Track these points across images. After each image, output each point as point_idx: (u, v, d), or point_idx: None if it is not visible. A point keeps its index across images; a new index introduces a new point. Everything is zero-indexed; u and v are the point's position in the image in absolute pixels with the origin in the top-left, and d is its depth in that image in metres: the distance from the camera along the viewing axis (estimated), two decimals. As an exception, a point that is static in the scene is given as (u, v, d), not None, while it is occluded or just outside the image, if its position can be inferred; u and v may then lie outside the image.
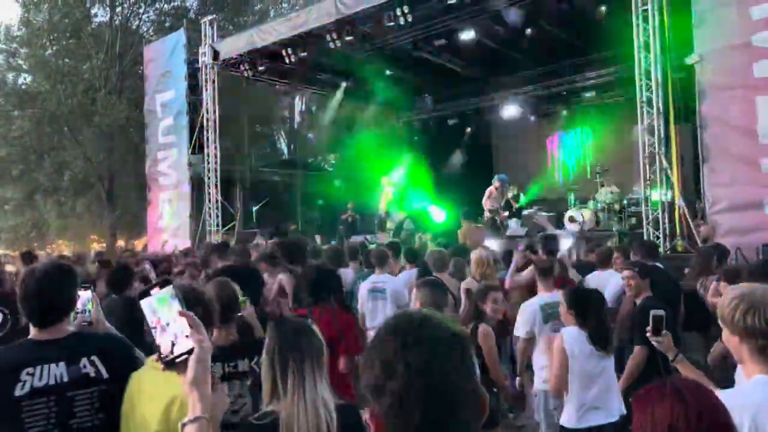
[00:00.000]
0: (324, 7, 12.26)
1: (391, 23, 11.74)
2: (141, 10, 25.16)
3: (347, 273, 6.76)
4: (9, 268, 8.46)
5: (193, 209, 15.27)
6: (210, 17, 15.76)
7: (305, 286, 4.32)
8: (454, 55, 15.69)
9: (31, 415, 2.13)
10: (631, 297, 4.83)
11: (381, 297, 5.91)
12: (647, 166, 9.68)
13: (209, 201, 15.29)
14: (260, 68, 14.86)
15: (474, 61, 16.25)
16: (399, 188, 14.92)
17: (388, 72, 16.40)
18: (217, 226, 15.22)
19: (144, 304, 1.34)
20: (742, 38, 8.22)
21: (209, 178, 15.30)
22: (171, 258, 9.31)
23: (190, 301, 2.30)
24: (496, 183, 13.27)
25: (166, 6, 25.88)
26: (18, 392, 2.12)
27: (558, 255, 6.56)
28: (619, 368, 4.16)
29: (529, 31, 12.84)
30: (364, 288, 6.09)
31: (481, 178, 17.94)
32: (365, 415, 2.05)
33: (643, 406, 1.46)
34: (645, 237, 9.50)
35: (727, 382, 2.33)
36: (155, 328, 1.32)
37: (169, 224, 15.87)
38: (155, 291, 1.34)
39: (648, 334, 2.75)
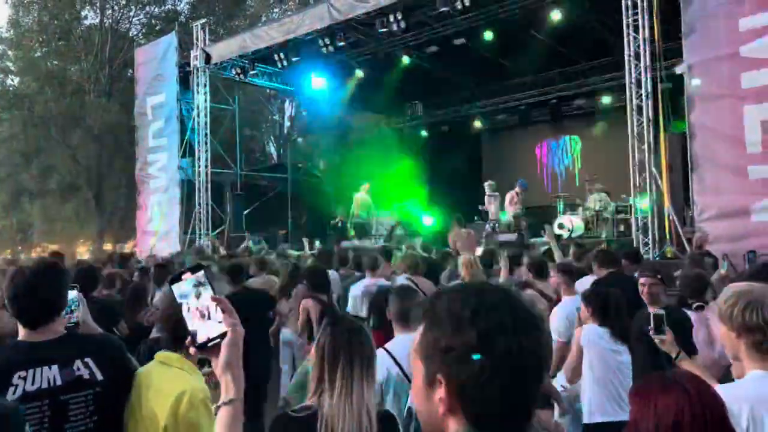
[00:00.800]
0: (317, 12, 12.31)
1: (384, 29, 11.81)
2: (131, 13, 25.10)
3: (333, 276, 6.83)
4: None
5: (182, 213, 15.20)
6: (202, 21, 15.75)
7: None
8: (446, 62, 15.78)
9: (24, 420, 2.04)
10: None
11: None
12: (637, 174, 9.79)
13: (199, 205, 15.24)
14: (252, 72, 14.86)
15: (465, 68, 16.36)
16: (370, 197, 14.84)
17: (379, 78, 16.46)
18: (207, 229, 15.17)
19: (175, 288, 1.34)
20: (731, 49, 8.36)
21: (199, 182, 15.26)
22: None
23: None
24: (517, 188, 13.08)
25: (156, 9, 25.82)
26: (10, 397, 2.02)
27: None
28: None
29: (520, 39, 12.95)
30: (356, 290, 6.15)
31: (471, 184, 18.05)
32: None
33: (644, 399, 1.46)
34: (635, 243, 9.61)
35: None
36: (187, 312, 1.33)
37: (158, 228, 15.78)
38: (187, 276, 1.35)
39: (651, 333, 2.80)
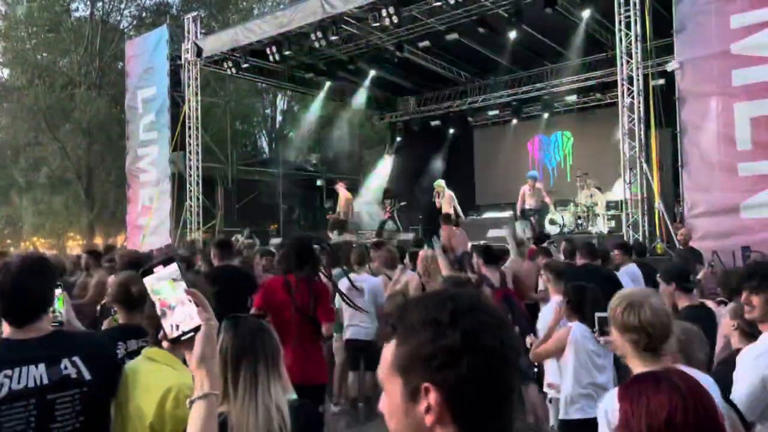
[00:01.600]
0: (309, 6, 12.25)
1: (377, 24, 11.78)
2: (122, 6, 24.91)
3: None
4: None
5: (173, 207, 15.14)
6: (193, 14, 15.65)
7: (285, 255, 4.38)
8: (438, 57, 15.79)
9: (9, 420, 2.00)
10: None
11: (359, 295, 6.02)
12: (628, 170, 9.84)
13: (190, 199, 15.18)
14: (243, 66, 14.79)
15: (457, 63, 16.38)
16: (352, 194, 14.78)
17: (371, 72, 16.44)
18: (198, 224, 15.12)
19: (147, 281, 1.32)
20: (722, 46, 8.40)
21: (190, 176, 15.19)
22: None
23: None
24: (529, 182, 12.86)
25: (147, 2, 25.66)
26: None
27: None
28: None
29: (512, 35, 12.95)
30: (342, 286, 6.16)
31: (463, 179, 18.09)
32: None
33: (635, 396, 1.44)
34: (625, 239, 9.65)
35: None
36: (160, 306, 1.31)
37: (149, 222, 15.71)
38: (158, 269, 1.32)
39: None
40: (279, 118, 28.29)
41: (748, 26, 8.23)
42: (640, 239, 9.53)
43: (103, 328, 3.58)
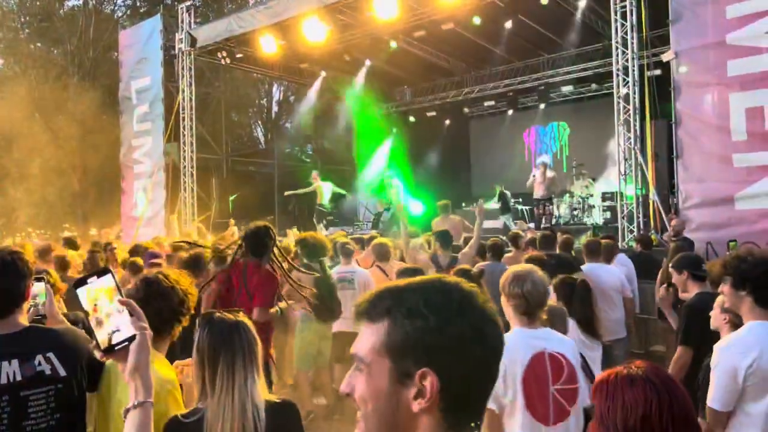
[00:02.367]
0: (304, -5, 12.16)
1: (372, 14, 11.70)
2: (115, -5, 24.70)
3: None
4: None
5: (168, 198, 15.08)
6: (187, 3, 15.52)
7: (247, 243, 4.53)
8: (434, 48, 15.71)
9: None
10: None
11: (349, 287, 6.04)
12: (623, 161, 9.83)
13: (184, 190, 15.12)
14: (238, 56, 14.70)
15: (453, 53, 16.31)
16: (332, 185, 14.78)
17: (367, 63, 16.36)
18: (193, 215, 15.07)
19: (81, 292, 1.31)
20: (717, 36, 8.36)
21: (185, 167, 15.12)
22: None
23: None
24: (540, 167, 12.63)
25: (141, -9, 25.43)
26: None
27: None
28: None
29: (508, 25, 12.89)
30: (334, 276, 6.18)
31: (459, 170, 18.08)
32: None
33: (610, 392, 1.45)
34: (620, 230, 9.66)
35: None
36: (93, 316, 1.31)
37: (143, 213, 15.66)
38: (92, 279, 1.32)
39: None
40: (274, 108, 28.16)
41: (743, 16, 8.19)
42: (635, 230, 9.53)
43: None
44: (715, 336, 2.76)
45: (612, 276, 5.74)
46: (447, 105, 18.29)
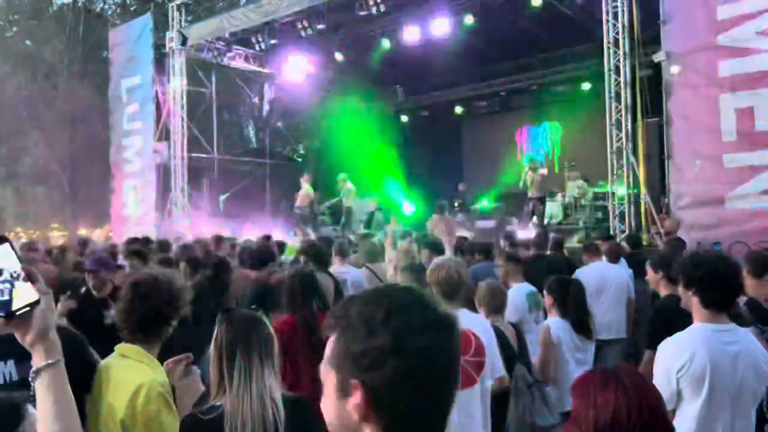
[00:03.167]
0: (296, -6, 12.13)
1: (363, 13, 11.68)
2: (105, -7, 24.55)
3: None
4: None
5: (158, 197, 15.00)
6: (178, 1, 15.43)
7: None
8: (426, 47, 15.68)
9: None
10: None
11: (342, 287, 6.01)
12: (614, 161, 9.85)
13: (175, 189, 15.04)
14: (229, 55, 14.64)
15: (445, 53, 16.27)
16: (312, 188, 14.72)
17: (359, 62, 16.32)
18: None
19: None
20: (709, 37, 8.39)
21: (175, 166, 15.04)
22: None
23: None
24: (528, 164, 12.49)
25: (131, -11, 25.28)
26: None
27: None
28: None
29: (500, 24, 12.89)
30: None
31: (451, 170, 18.07)
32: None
33: (584, 393, 1.50)
34: (611, 230, 9.68)
35: None
36: None
37: (133, 212, 15.57)
38: None
39: None
40: (266, 107, 28.04)
41: (734, 18, 8.23)
42: (626, 230, 9.57)
43: None
44: None
45: (619, 276, 5.76)
46: (439, 105, 18.28)
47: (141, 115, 15.35)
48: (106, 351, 2.32)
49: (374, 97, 19.57)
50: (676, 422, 2.49)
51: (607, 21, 9.87)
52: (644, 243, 9.25)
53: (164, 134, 14.97)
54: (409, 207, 16.74)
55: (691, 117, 8.63)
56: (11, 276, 1.27)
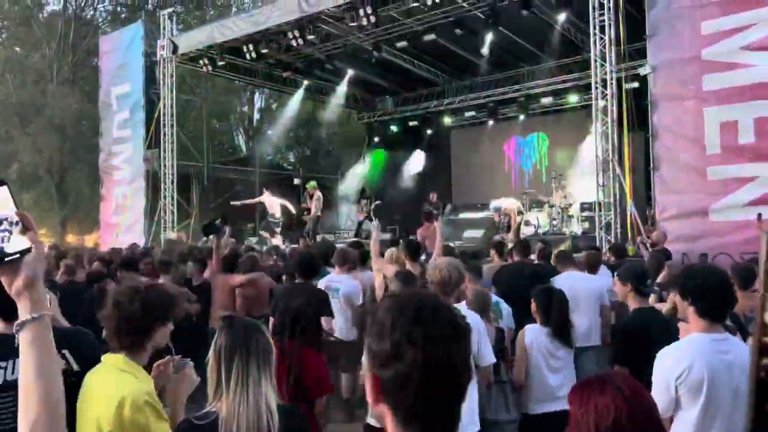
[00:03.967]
0: (287, 4, 12.19)
1: (354, 23, 11.77)
2: (96, 0, 24.53)
3: None
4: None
5: (147, 205, 14.96)
6: (169, 10, 15.47)
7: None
8: (416, 58, 15.83)
9: (2, 410, 2.06)
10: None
11: (333, 297, 6.01)
12: (601, 172, 9.96)
13: (165, 197, 15.01)
14: (220, 63, 14.67)
15: (435, 64, 16.44)
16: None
17: (349, 72, 16.42)
18: (173, 223, 14.96)
19: None
20: (693, 52, 8.54)
21: (165, 174, 15.02)
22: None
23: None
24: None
25: (122, -3, 25.31)
26: None
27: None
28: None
29: (489, 36, 13.03)
30: (320, 286, 6.16)
31: (440, 179, 18.16)
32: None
33: (583, 399, 1.54)
34: (597, 241, 9.78)
35: None
36: None
37: (122, 220, 15.51)
38: None
39: None
40: (256, 116, 28.08)
41: (718, 32, 8.38)
42: (612, 240, 9.66)
43: None
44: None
45: (590, 284, 5.81)
46: (428, 115, 18.40)
47: (131, 122, 15.32)
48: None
49: (364, 107, 19.67)
50: (674, 429, 2.58)
51: (595, 35, 10.01)
52: (630, 253, 9.35)
53: (154, 142, 14.95)
54: (397, 216, 16.79)
55: (676, 130, 8.75)
56: (8, 223, 1.23)
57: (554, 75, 15.47)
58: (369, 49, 14.16)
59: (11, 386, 2.06)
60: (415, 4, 11.39)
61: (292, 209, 14.62)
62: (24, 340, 1.19)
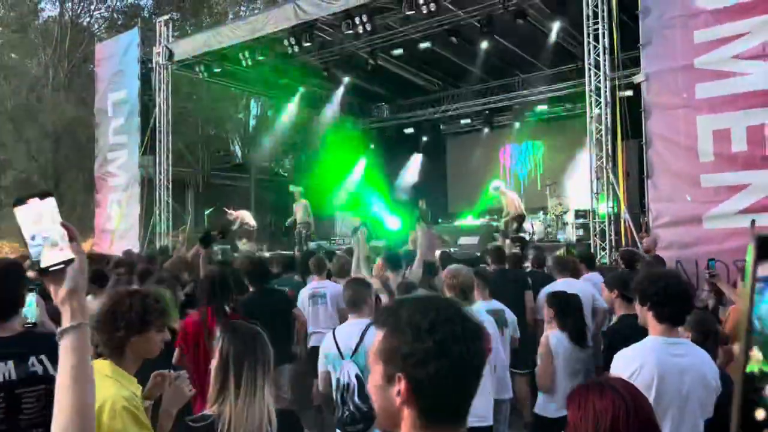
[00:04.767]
0: (283, 12, 12.24)
1: (350, 31, 11.81)
2: (92, 7, 24.55)
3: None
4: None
5: (142, 212, 14.93)
6: (165, 17, 15.50)
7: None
8: (411, 66, 15.89)
9: None
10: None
11: (321, 302, 6.06)
12: (595, 180, 10.00)
13: (160, 204, 14.99)
14: (216, 70, 14.69)
15: (430, 71, 16.51)
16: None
17: (345, 79, 16.46)
18: (168, 229, 14.93)
19: (19, 212, 1.29)
20: (686, 60, 8.59)
21: (160, 180, 15.01)
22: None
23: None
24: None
25: (118, 3, 25.34)
26: None
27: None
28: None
29: (484, 45, 13.10)
30: (304, 293, 6.22)
31: (435, 187, 18.21)
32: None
33: (582, 402, 1.59)
34: (592, 248, 9.82)
35: None
36: (30, 236, 1.29)
37: (117, 226, 15.48)
38: (34, 201, 1.30)
39: None
40: (252, 122, 28.08)
41: (710, 41, 8.44)
42: (607, 248, 9.69)
43: None
44: None
45: (581, 290, 5.85)
46: (424, 122, 18.46)
47: (126, 129, 15.31)
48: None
49: (360, 114, 19.71)
50: None
51: (588, 43, 10.07)
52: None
53: (149, 148, 14.95)
54: (395, 222, 16.81)
55: (669, 138, 8.80)
56: (54, 234, 1.29)
57: (549, 83, 15.56)
58: (365, 56, 14.21)
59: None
60: (411, 13, 11.44)
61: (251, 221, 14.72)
62: (63, 346, 1.26)
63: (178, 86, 15.89)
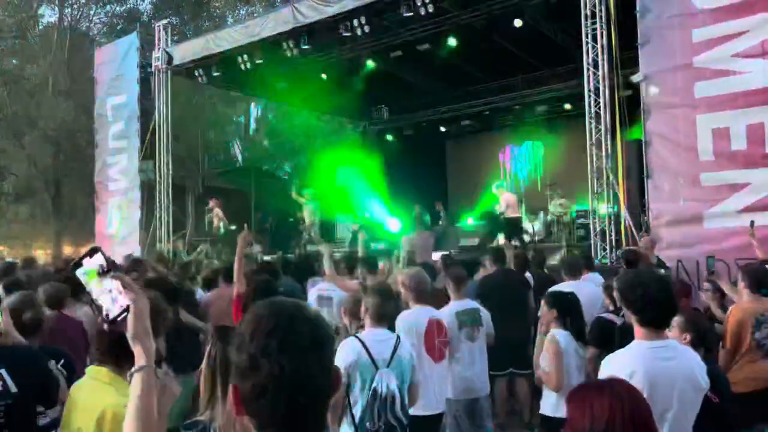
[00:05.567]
0: (281, 15, 12.26)
1: (348, 34, 11.81)
2: (91, 12, 24.58)
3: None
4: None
5: (143, 216, 14.94)
6: (164, 21, 15.52)
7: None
8: (410, 67, 15.87)
9: None
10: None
11: (327, 304, 6.03)
12: (595, 180, 9.99)
13: (160, 208, 15.00)
14: (215, 74, 14.70)
15: (430, 73, 16.49)
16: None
17: (344, 82, 16.46)
18: (168, 234, 14.93)
19: (80, 273, 1.41)
20: (684, 59, 8.57)
21: (160, 185, 15.02)
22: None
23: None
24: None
25: (118, 8, 25.36)
26: None
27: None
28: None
29: (483, 45, 13.09)
30: (312, 295, 6.20)
31: (435, 188, 18.19)
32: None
33: (580, 402, 1.59)
34: (592, 249, 9.80)
35: None
36: (94, 293, 1.41)
37: (118, 231, 15.49)
38: (87, 260, 1.42)
39: None
40: (252, 126, 28.12)
41: (709, 40, 8.42)
42: (607, 248, 9.67)
43: None
44: None
45: (584, 291, 5.84)
46: (423, 124, 18.44)
47: (126, 133, 15.32)
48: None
49: (359, 117, 19.71)
50: None
51: (587, 43, 10.07)
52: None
53: (149, 153, 14.96)
54: (395, 224, 16.79)
55: (668, 137, 8.78)
56: (108, 284, 1.40)
57: (548, 83, 15.54)
58: (363, 58, 14.20)
59: None
60: (410, 14, 11.44)
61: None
62: (133, 383, 1.44)
63: (177, 90, 15.88)
